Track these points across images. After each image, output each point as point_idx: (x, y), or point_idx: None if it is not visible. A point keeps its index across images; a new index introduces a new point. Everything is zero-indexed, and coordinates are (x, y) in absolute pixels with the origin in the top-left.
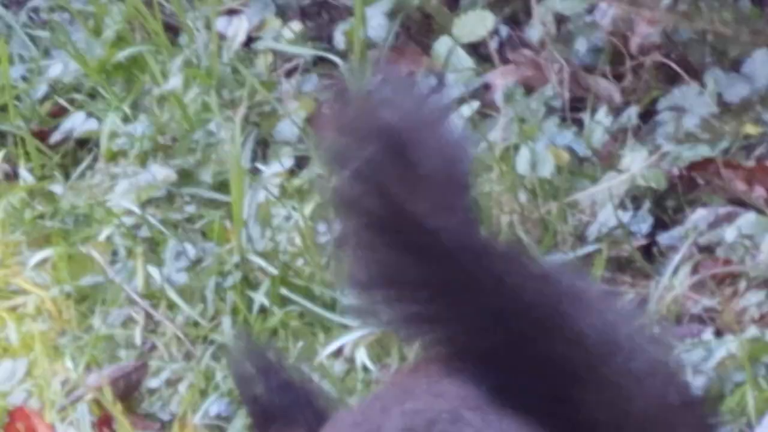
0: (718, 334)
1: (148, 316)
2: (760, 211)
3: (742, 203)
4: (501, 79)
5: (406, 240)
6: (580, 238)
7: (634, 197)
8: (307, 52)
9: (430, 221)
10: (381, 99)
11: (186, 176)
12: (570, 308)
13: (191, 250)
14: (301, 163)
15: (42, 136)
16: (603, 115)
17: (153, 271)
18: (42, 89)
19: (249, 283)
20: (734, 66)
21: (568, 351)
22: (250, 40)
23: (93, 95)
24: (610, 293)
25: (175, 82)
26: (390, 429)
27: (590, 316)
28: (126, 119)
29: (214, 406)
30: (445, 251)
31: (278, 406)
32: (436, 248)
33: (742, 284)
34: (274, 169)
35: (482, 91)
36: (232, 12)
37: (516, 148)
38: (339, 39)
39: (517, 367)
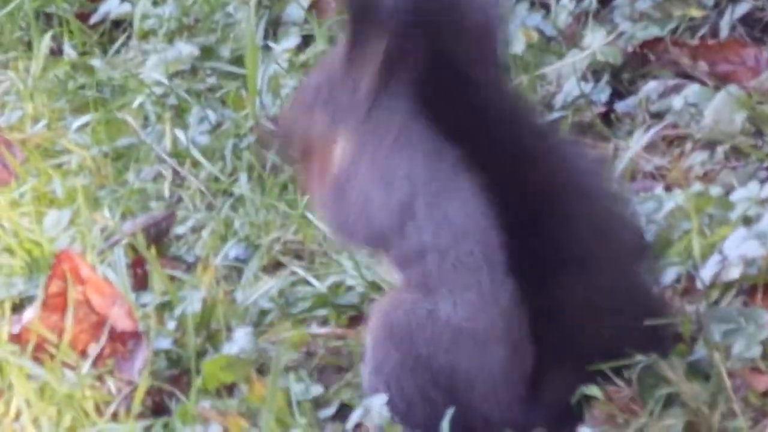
0: (668, 189)
1: (175, 173)
2: (703, 83)
3: (687, 76)
4: None
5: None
6: (548, 106)
7: (594, 71)
8: None
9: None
10: None
11: (207, 52)
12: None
13: (212, 116)
14: (306, 41)
15: (83, 17)
16: (567, 1)
17: (179, 133)
18: None
19: (261, 143)
20: None
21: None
22: None
23: None
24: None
25: None
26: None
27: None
28: (155, 3)
29: (232, 250)
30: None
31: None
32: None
33: (688, 145)
34: (283, 46)
35: None
36: None
37: None
38: None
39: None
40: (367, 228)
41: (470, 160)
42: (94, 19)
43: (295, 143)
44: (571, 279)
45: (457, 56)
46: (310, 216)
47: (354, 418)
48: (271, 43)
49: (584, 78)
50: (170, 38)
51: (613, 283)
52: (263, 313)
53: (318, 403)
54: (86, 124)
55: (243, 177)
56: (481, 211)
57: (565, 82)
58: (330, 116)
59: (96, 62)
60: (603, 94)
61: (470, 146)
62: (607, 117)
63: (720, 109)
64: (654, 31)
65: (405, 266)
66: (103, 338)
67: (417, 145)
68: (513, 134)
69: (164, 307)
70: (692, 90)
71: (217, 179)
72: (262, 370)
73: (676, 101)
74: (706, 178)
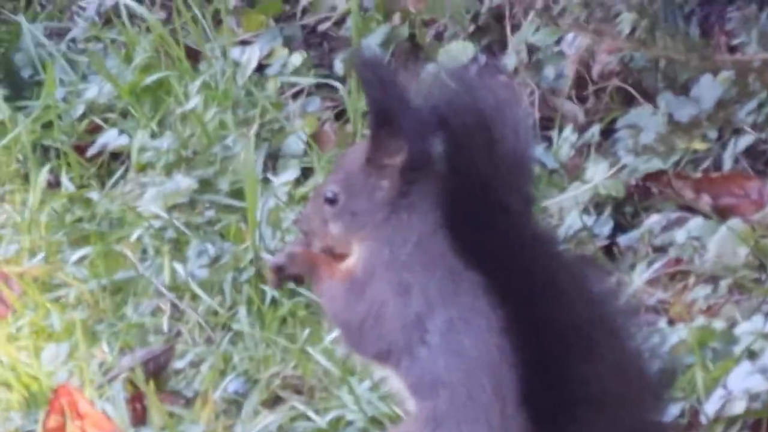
0: (671, 323)
1: (174, 306)
2: (706, 217)
3: (691, 209)
4: None
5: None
6: None
7: (597, 204)
8: (311, 79)
9: (503, 197)
10: (468, 80)
11: (206, 185)
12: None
13: (211, 249)
14: (306, 173)
15: (81, 150)
16: (569, 133)
17: (178, 267)
18: (80, 109)
19: (262, 277)
20: (684, 89)
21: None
22: (261, 67)
23: (124, 114)
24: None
25: (195, 102)
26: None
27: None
28: (153, 135)
29: (232, 384)
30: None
31: (395, 113)
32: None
33: (692, 280)
34: (283, 179)
35: None
36: (244, 42)
37: None
38: (338, 66)
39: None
40: (378, 339)
41: (489, 289)
42: (91, 152)
43: (312, 245)
44: (588, 418)
45: (486, 178)
46: (309, 350)
47: None
48: (270, 176)
49: (586, 211)
50: (168, 171)
51: (629, 425)
52: None
53: None
54: (84, 257)
55: (242, 311)
56: (496, 344)
57: (567, 215)
58: (347, 218)
59: (94, 195)
60: (605, 228)
61: (490, 274)
62: (609, 250)
63: (723, 243)
64: (657, 164)
65: (415, 395)
66: None
67: (434, 263)
68: (537, 266)
69: None
70: (695, 223)
71: (216, 313)
72: None
73: (679, 235)
74: (710, 312)
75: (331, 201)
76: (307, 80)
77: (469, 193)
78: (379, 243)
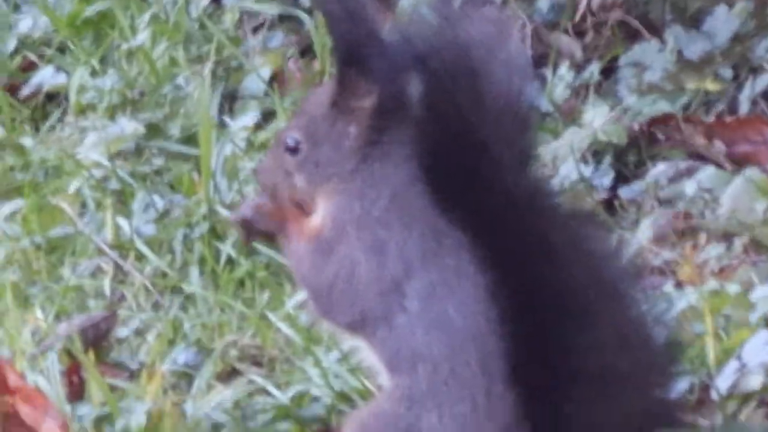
0: (679, 286)
1: (117, 267)
2: (719, 166)
3: (701, 158)
4: None
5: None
6: None
7: (596, 152)
8: (273, 9)
9: (491, 146)
10: (451, 13)
11: (154, 129)
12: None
13: (159, 202)
14: (267, 116)
15: (12, 89)
16: (564, 71)
17: (122, 222)
18: (12, 44)
19: (216, 234)
20: (694, 23)
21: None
22: None
23: (62, 50)
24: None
25: (143, 36)
26: None
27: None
28: (95, 73)
29: (182, 355)
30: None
31: (364, 50)
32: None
33: (703, 237)
34: (240, 123)
35: None
36: None
37: None
38: None
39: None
40: (351, 306)
41: (475, 248)
42: (24, 92)
43: (272, 201)
44: (586, 396)
45: (471, 125)
46: (270, 317)
47: None
48: (227, 120)
49: (584, 160)
50: (111, 114)
51: (633, 403)
52: (217, 427)
53: None
54: (16, 212)
55: (194, 272)
56: (483, 312)
57: (562, 164)
58: (311, 170)
59: (27, 141)
60: (605, 178)
61: (476, 232)
62: (609, 204)
63: (738, 196)
64: (663, 107)
65: (391, 369)
66: None
67: (412, 219)
68: (528, 223)
69: (104, 421)
70: (707, 174)
71: (164, 274)
72: None
73: (689, 186)
74: (723, 274)
75: (293, 150)
76: (269, 9)
77: (450, 141)
78: (347, 197)
